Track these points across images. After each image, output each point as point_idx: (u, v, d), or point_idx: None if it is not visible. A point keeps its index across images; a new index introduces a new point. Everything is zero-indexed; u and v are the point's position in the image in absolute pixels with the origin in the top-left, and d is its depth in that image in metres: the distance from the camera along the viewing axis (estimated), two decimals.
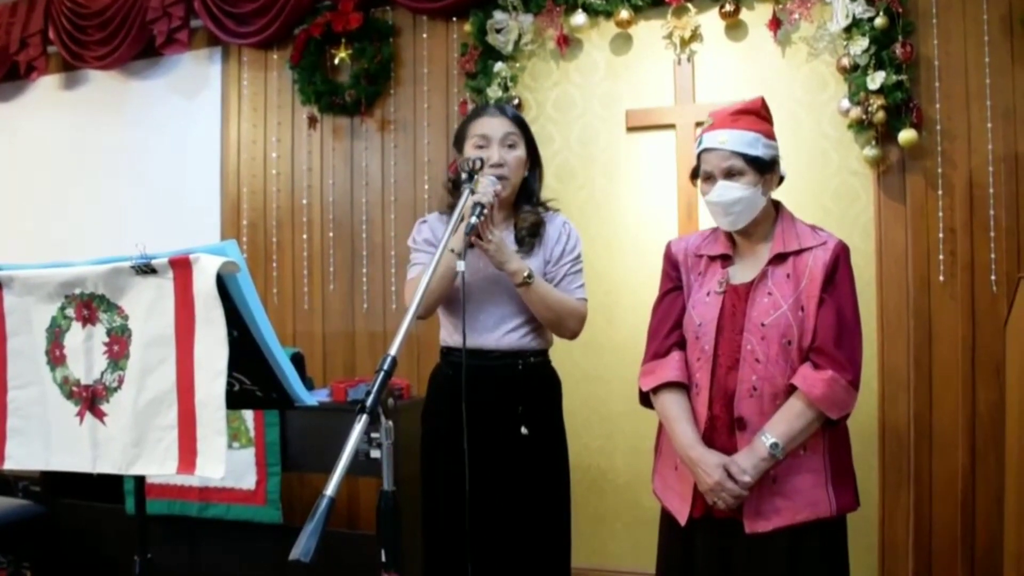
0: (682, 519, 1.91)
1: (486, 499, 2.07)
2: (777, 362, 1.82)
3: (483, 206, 1.93)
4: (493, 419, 2.09)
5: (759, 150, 1.88)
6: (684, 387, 1.94)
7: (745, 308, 1.87)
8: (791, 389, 1.82)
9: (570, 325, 2.16)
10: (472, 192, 1.95)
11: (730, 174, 1.87)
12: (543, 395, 2.21)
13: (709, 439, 1.88)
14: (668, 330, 1.99)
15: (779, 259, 1.89)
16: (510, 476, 2.10)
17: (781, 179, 1.98)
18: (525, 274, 2.03)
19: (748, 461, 1.79)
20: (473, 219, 1.90)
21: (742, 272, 1.94)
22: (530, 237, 2.16)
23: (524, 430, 2.11)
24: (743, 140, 1.87)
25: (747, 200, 1.88)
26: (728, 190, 1.87)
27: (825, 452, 1.86)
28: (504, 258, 2.02)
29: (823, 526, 1.83)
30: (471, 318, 2.13)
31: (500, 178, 2.08)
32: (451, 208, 2.15)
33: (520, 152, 2.16)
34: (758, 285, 1.88)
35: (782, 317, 1.83)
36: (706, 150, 1.91)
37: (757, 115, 1.92)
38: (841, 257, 1.88)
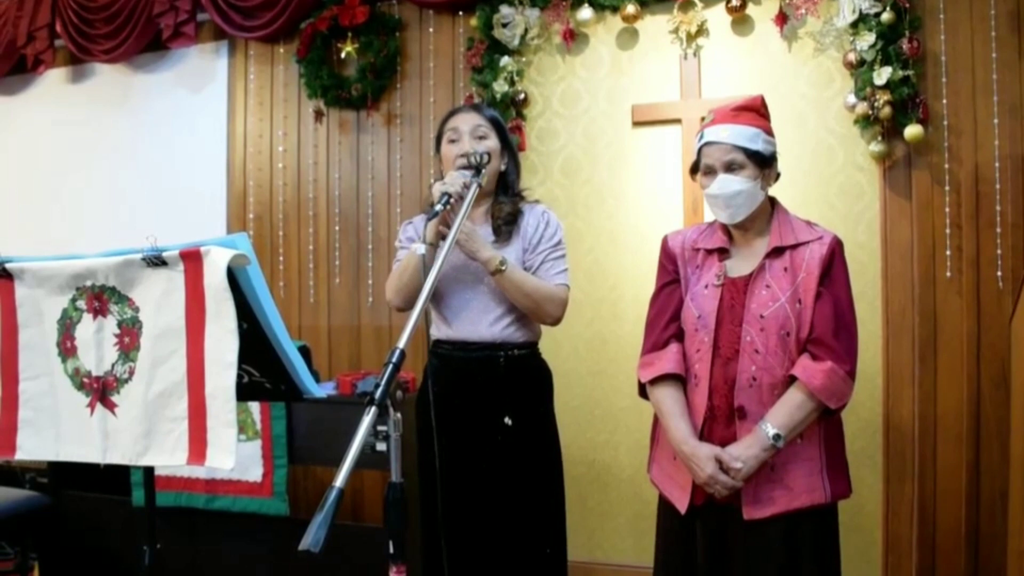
0: (682, 508, 1.95)
1: (471, 491, 2.10)
2: (776, 353, 1.87)
3: (449, 195, 1.95)
4: (476, 412, 2.13)
5: (759, 145, 1.92)
6: (681, 379, 1.98)
7: (744, 300, 1.91)
8: (789, 380, 1.87)
9: (549, 310, 2.16)
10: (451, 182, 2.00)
11: (731, 167, 1.92)
12: (528, 387, 2.22)
13: (708, 429, 1.92)
14: (666, 322, 2.03)
15: (776, 253, 1.93)
16: (494, 468, 2.13)
17: (777, 176, 2.02)
18: (498, 261, 2.06)
19: (747, 451, 1.83)
20: (438, 207, 1.93)
21: (739, 266, 1.98)
22: (506, 226, 2.19)
23: (508, 420, 2.13)
24: (744, 135, 1.91)
25: (747, 193, 1.92)
26: (729, 183, 1.91)
27: (821, 441, 1.91)
28: (475, 247, 2.07)
29: (818, 512, 1.89)
30: (451, 311, 2.18)
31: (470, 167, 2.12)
32: (432, 207, 2.20)
33: (491, 143, 2.20)
34: (756, 278, 1.92)
35: (780, 309, 1.87)
36: (708, 144, 1.96)
37: (757, 112, 1.98)
38: (837, 251, 1.93)
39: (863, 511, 2.95)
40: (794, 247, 1.92)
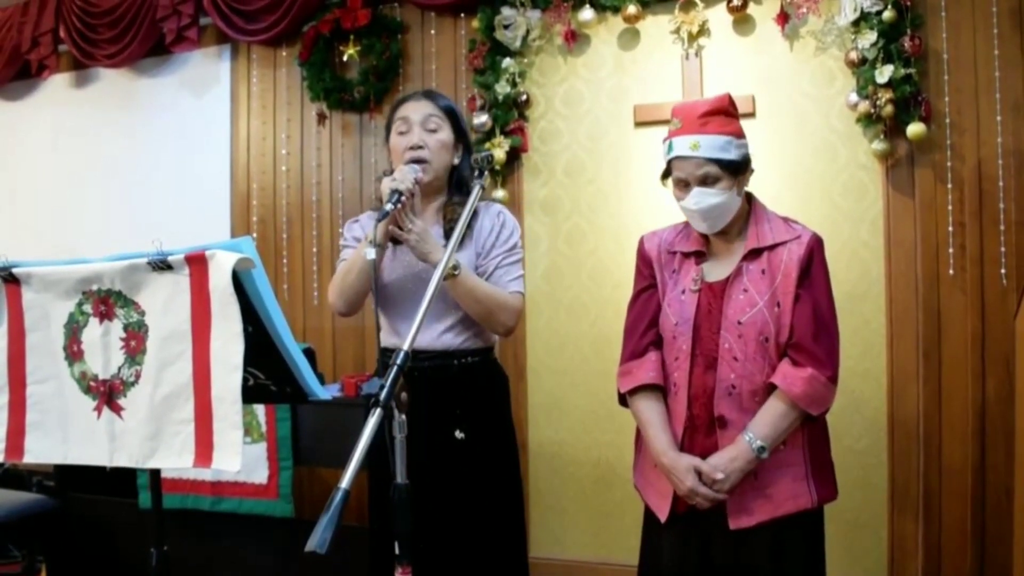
0: (662, 516, 1.91)
1: (426, 503, 1.92)
2: (755, 359, 1.83)
3: (400, 193, 1.84)
4: (427, 423, 1.93)
5: (732, 153, 1.85)
6: (660, 389, 1.94)
7: (721, 306, 1.87)
8: (770, 386, 1.83)
9: (502, 319, 2.02)
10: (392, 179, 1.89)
11: (705, 181, 1.85)
12: (482, 395, 2.10)
13: (689, 439, 1.88)
14: (644, 329, 1.99)
15: (753, 254, 1.88)
16: (447, 480, 2.01)
17: (751, 171, 1.95)
18: (450, 266, 1.88)
19: (731, 464, 1.80)
20: (387, 206, 1.82)
21: (716, 269, 1.93)
22: None
23: (459, 434, 2.02)
24: (715, 145, 1.84)
25: (724, 205, 1.87)
26: (705, 196, 1.85)
27: (804, 446, 1.87)
28: (427, 249, 1.93)
29: (804, 517, 1.85)
30: (405, 316, 2.03)
31: (419, 161, 2.00)
32: (381, 202, 2.04)
33: (443, 136, 2.06)
34: (733, 282, 1.87)
35: (758, 314, 1.83)
36: (678, 158, 1.88)
37: (726, 114, 1.89)
38: (815, 251, 1.87)
39: (868, 510, 2.95)
40: (772, 248, 1.87)
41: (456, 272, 1.92)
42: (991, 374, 2.83)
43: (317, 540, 1.15)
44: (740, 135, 1.89)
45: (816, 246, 1.88)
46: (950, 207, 2.89)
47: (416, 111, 2.07)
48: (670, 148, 1.90)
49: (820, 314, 1.83)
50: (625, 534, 3.27)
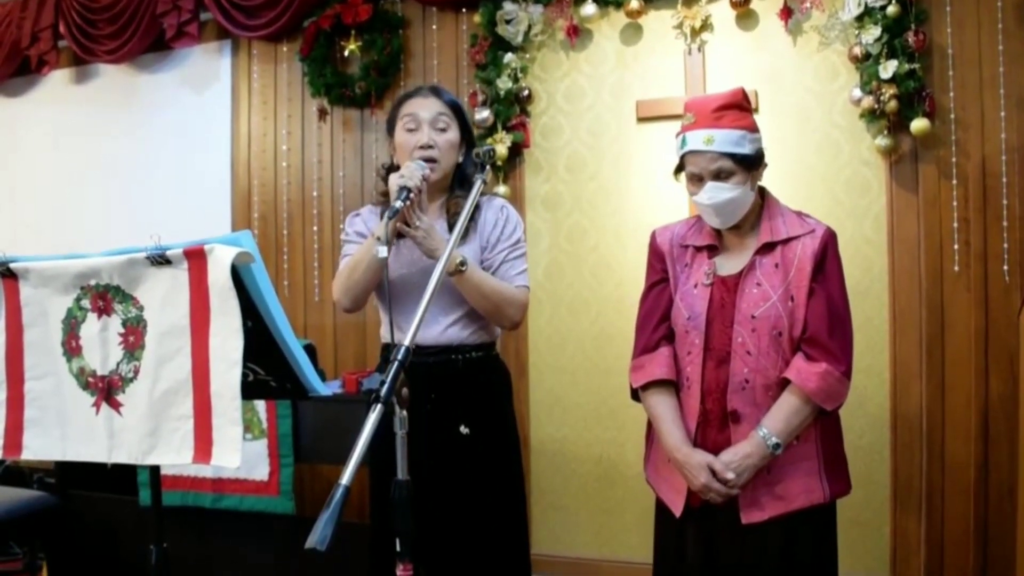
0: (677, 511, 1.91)
1: (428, 500, 1.93)
2: (768, 354, 1.82)
3: (408, 190, 1.84)
4: (431, 418, 1.98)
5: (746, 148, 1.84)
6: (672, 384, 1.93)
7: (734, 300, 1.86)
8: (783, 380, 1.82)
9: (509, 313, 2.03)
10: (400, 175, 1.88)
11: (719, 175, 1.84)
12: (486, 390, 2.10)
13: (702, 433, 1.88)
14: (656, 323, 1.98)
15: (767, 248, 1.87)
16: (452, 475, 2.01)
17: (764, 165, 1.94)
18: (458, 262, 1.91)
19: (745, 461, 1.79)
20: (397, 203, 1.81)
21: (729, 263, 1.92)
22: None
23: (464, 429, 2.03)
24: (730, 140, 1.83)
25: (738, 200, 1.86)
26: (719, 191, 1.84)
27: (818, 440, 1.87)
28: (433, 245, 1.93)
29: (816, 512, 1.85)
30: (407, 312, 2.01)
31: (429, 160, 2.00)
32: (384, 197, 2.07)
33: (451, 135, 2.07)
34: (747, 276, 1.87)
35: (772, 308, 1.82)
36: (691, 152, 1.87)
37: (739, 108, 1.88)
38: (830, 245, 1.86)
39: (871, 506, 2.94)
40: (785, 242, 1.86)
41: (463, 268, 1.93)
42: (994, 371, 2.82)
43: (317, 537, 1.15)
44: (754, 129, 1.88)
45: (830, 240, 1.87)
46: (954, 203, 2.87)
47: (425, 109, 2.06)
48: (683, 142, 1.89)
49: (834, 308, 1.83)
50: (626, 531, 3.26)
